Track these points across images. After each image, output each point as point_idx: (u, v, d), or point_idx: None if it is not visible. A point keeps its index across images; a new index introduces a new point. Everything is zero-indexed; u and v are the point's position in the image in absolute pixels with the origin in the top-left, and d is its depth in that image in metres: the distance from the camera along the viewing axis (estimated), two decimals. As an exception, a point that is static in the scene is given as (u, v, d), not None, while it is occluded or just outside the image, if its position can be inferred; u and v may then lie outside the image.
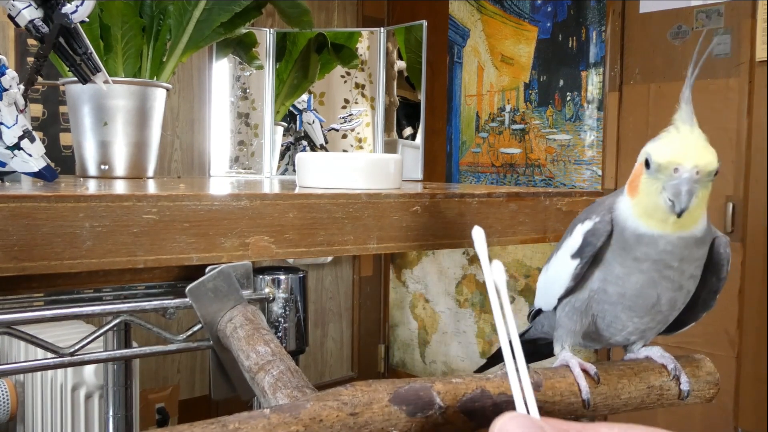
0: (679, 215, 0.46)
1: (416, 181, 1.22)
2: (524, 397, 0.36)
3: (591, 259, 0.53)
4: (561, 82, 2.33)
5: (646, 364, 0.56)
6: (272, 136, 1.29)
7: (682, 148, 0.47)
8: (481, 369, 0.66)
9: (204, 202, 0.63)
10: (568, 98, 2.31)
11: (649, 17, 2.08)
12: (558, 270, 0.56)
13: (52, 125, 2.10)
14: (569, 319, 0.56)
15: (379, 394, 0.45)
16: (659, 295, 0.52)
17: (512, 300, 2.52)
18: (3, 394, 1.74)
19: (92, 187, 0.76)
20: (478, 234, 0.39)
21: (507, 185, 2.51)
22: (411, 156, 1.26)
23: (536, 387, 0.50)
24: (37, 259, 0.55)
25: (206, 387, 2.49)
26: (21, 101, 0.77)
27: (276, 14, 1.26)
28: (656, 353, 0.56)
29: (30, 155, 0.76)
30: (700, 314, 0.56)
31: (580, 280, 0.55)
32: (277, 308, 0.82)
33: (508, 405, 0.48)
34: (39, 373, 1.75)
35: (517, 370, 0.37)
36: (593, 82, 2.24)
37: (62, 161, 2.09)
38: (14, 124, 0.75)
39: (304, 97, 1.32)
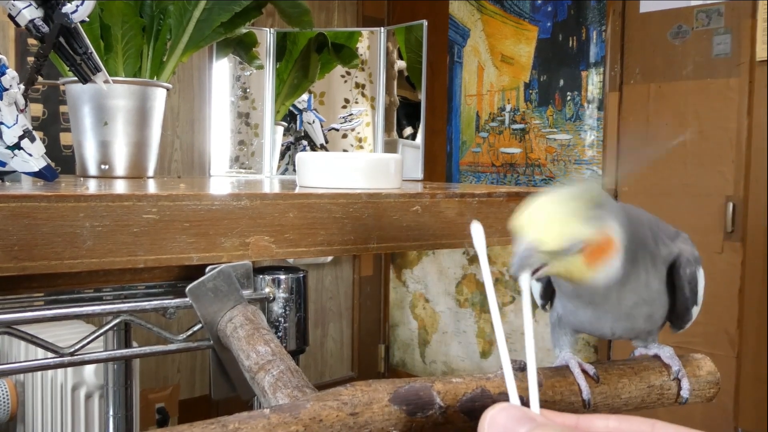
0: (515, 280, 0.42)
1: (416, 180, 1.22)
2: (514, 387, 0.36)
3: (547, 284, 0.56)
4: (561, 82, 2.33)
5: (647, 364, 0.56)
6: (272, 136, 1.29)
7: (528, 219, 0.43)
8: None
9: (204, 201, 0.63)
10: (569, 98, 2.31)
11: (649, 17, 2.08)
12: (533, 286, 0.58)
13: (52, 125, 2.10)
14: (555, 330, 0.57)
15: (379, 394, 0.45)
16: (612, 327, 0.52)
17: (512, 299, 2.52)
18: (3, 394, 1.74)
19: (92, 186, 0.76)
20: (477, 230, 0.39)
21: (507, 185, 2.51)
22: (411, 156, 1.26)
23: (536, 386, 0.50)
24: (37, 258, 0.56)
25: (206, 387, 2.49)
26: (21, 101, 0.77)
27: (276, 14, 1.26)
28: (666, 353, 0.56)
29: (30, 155, 0.76)
30: (682, 325, 0.55)
31: (550, 300, 0.57)
32: (277, 308, 0.82)
33: (508, 405, 0.48)
34: (39, 373, 1.75)
35: (518, 368, 0.37)
36: (593, 82, 2.24)
37: (62, 161, 2.09)
38: (14, 124, 0.75)
39: (305, 96, 1.32)
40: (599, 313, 0.51)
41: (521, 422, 0.33)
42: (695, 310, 0.53)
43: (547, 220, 0.43)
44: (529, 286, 0.41)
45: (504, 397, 0.48)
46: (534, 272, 0.43)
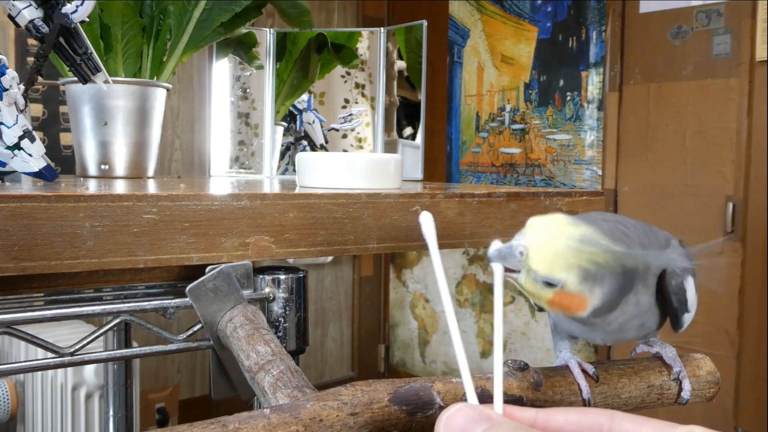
0: (490, 259, 0.42)
1: (416, 181, 1.22)
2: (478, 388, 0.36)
3: None
4: (561, 82, 2.33)
5: (647, 364, 0.56)
6: (272, 136, 1.29)
7: (538, 225, 0.43)
8: None
9: (204, 202, 0.63)
10: (568, 98, 2.31)
11: (649, 17, 2.08)
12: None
13: (52, 125, 2.10)
14: (554, 332, 0.57)
15: (379, 393, 0.45)
16: (603, 338, 0.51)
17: (512, 300, 2.52)
18: (3, 394, 1.74)
19: (92, 187, 0.76)
20: (426, 220, 0.39)
21: (507, 185, 2.51)
22: (411, 156, 1.26)
23: (536, 386, 0.50)
24: (37, 259, 0.56)
25: (206, 387, 2.49)
26: (21, 101, 0.77)
27: (276, 14, 1.26)
28: (669, 354, 0.56)
29: (30, 155, 0.76)
30: (677, 329, 0.53)
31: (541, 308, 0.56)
32: (277, 308, 0.82)
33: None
34: (39, 373, 1.75)
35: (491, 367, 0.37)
36: (593, 82, 2.24)
37: (62, 161, 2.09)
38: (14, 124, 0.75)
39: (304, 97, 1.32)
40: (590, 328, 0.50)
41: (478, 422, 0.33)
42: (687, 317, 0.52)
43: (551, 241, 0.42)
44: (501, 274, 0.40)
45: (504, 396, 0.48)
46: (506, 270, 0.42)
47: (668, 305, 0.50)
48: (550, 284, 0.42)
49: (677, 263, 0.49)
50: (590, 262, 0.42)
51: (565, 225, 0.43)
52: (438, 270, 0.38)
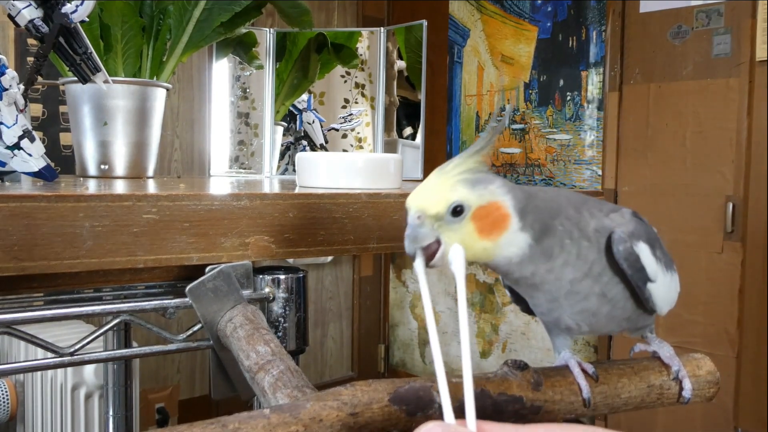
0: (413, 258, 0.42)
1: (416, 181, 1.22)
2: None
3: (509, 287, 0.55)
4: (561, 82, 2.33)
5: (647, 364, 0.56)
6: (272, 136, 1.29)
7: (413, 195, 0.44)
8: None
9: (204, 201, 0.63)
10: (568, 98, 2.31)
11: (649, 17, 2.08)
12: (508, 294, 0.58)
13: (52, 125, 2.10)
14: (549, 333, 0.57)
15: (379, 393, 0.45)
16: (570, 314, 0.50)
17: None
18: (3, 394, 1.74)
19: (92, 186, 0.76)
20: (457, 253, 0.40)
21: (507, 185, 2.50)
22: (411, 156, 1.26)
23: (536, 386, 0.50)
24: (37, 258, 0.55)
25: (206, 387, 2.49)
26: (21, 101, 0.77)
27: (276, 14, 1.26)
28: (666, 353, 0.56)
29: (30, 155, 0.76)
30: (654, 307, 0.52)
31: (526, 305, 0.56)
32: (277, 308, 0.82)
33: (507, 404, 0.48)
34: (39, 373, 1.75)
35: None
36: (593, 82, 2.24)
37: (62, 161, 2.09)
38: (14, 124, 0.75)
39: (304, 96, 1.32)
40: (549, 297, 0.49)
41: None
42: (654, 287, 0.50)
43: (430, 190, 0.43)
44: (424, 273, 0.40)
45: (504, 396, 0.48)
46: (430, 255, 0.42)
47: (626, 275, 0.49)
48: (457, 212, 0.43)
49: (622, 227, 0.48)
50: (465, 172, 0.43)
51: (429, 177, 0.44)
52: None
